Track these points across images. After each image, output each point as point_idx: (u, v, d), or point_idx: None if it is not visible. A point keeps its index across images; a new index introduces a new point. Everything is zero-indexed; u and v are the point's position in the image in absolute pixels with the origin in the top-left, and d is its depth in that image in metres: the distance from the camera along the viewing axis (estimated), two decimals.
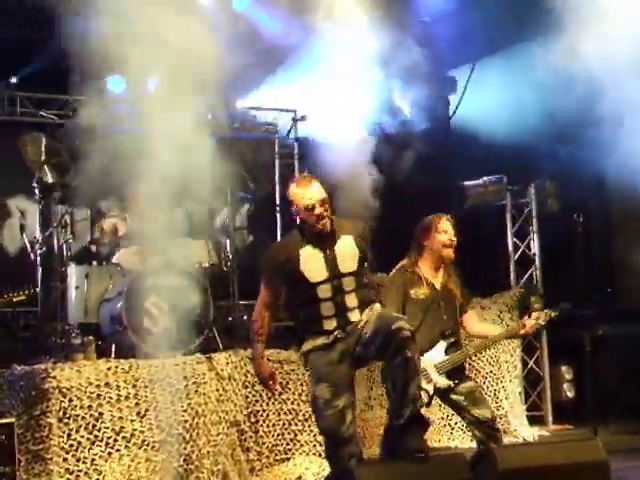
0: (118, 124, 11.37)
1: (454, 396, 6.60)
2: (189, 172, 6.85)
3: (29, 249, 9.26)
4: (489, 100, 11.43)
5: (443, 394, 6.61)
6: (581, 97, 8.52)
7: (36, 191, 9.20)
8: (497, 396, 9.45)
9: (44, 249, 9.08)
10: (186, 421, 7.35)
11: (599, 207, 11.85)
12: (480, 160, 11.07)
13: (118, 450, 7.09)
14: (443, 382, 6.53)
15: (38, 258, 9.08)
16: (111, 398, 7.15)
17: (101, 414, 7.13)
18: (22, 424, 6.88)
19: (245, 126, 11.91)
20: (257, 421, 7.95)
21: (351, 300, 5.83)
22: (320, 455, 8.10)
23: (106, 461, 7.05)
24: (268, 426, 8.00)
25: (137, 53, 6.98)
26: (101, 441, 7.06)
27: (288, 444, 8.08)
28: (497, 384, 9.50)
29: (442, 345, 6.56)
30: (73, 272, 8.88)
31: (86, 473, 6.95)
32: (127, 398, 7.23)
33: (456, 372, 6.61)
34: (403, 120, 10.79)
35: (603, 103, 8.37)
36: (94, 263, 9.08)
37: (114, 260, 9.07)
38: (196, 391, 7.48)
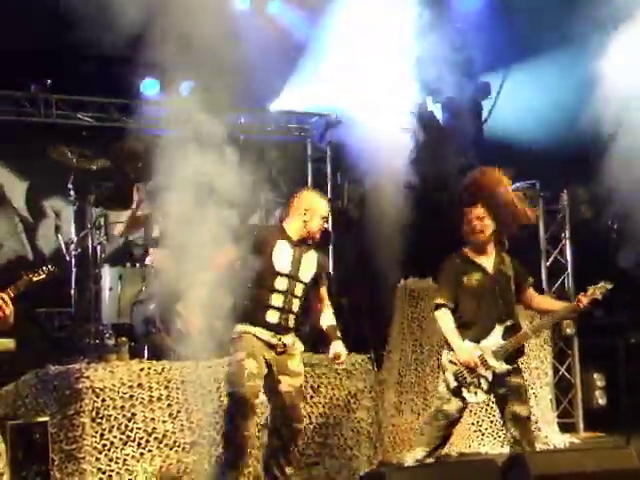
0: (151, 126, 11.48)
1: (502, 389, 6.61)
2: (222, 175, 6.88)
3: (64, 250, 9.36)
4: (522, 105, 11.40)
5: (499, 382, 6.58)
6: (614, 102, 8.48)
7: (71, 192, 9.29)
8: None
9: (79, 250, 9.17)
10: (217, 423, 7.37)
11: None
12: (513, 166, 11.01)
13: (150, 451, 7.12)
14: (502, 367, 6.54)
15: (73, 259, 9.16)
16: (143, 399, 7.19)
17: (134, 415, 7.17)
18: (56, 423, 6.94)
19: (278, 129, 11.95)
20: None
21: (295, 305, 6.47)
22: (350, 459, 8.11)
23: (138, 461, 7.09)
24: None
25: (172, 56, 7.01)
26: (133, 441, 7.10)
27: (318, 448, 8.09)
28: (528, 391, 9.43)
29: (499, 330, 6.56)
30: (107, 273, 8.96)
31: (118, 473, 6.99)
32: (159, 399, 7.27)
33: (513, 360, 6.64)
34: (436, 125, 10.78)
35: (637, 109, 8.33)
36: (128, 265, 9.16)
37: (147, 262, 9.13)
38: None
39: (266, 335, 6.40)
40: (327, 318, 6.73)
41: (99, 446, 7.01)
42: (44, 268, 6.01)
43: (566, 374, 10.54)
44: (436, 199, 10.60)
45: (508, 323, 6.58)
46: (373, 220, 10.61)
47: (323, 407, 8.11)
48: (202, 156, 6.90)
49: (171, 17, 6.96)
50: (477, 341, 6.52)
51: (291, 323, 6.51)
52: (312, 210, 6.57)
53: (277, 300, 6.44)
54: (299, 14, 10.61)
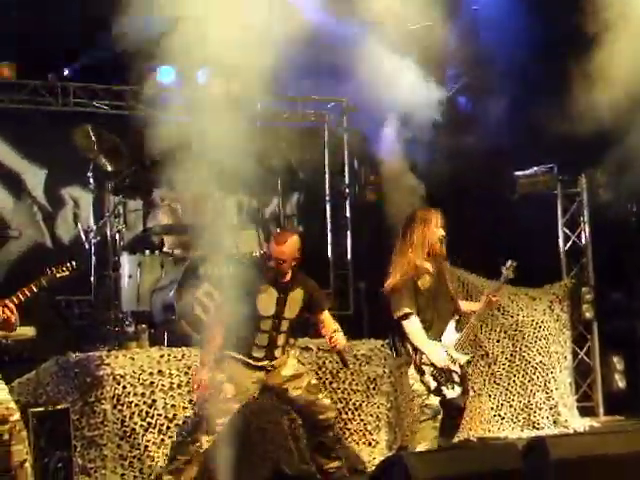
0: (168, 114, 11.48)
1: None
2: (239, 162, 6.88)
3: (83, 238, 9.39)
4: None
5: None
6: (631, 85, 8.42)
7: (90, 180, 9.32)
8: (547, 387, 9.40)
9: (98, 238, 9.20)
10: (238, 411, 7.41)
11: None
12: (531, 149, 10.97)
13: (171, 437, 7.14)
14: (465, 358, 6.85)
15: (92, 247, 9.20)
16: (164, 386, 7.23)
17: (154, 401, 7.21)
18: (77, 410, 6.98)
19: (295, 116, 11.95)
20: None
21: (280, 339, 6.72)
22: (370, 444, 8.13)
23: (159, 448, 7.13)
24: None
25: (189, 43, 7.01)
26: (154, 428, 7.14)
27: (338, 433, 8.11)
28: (547, 375, 9.44)
29: (452, 324, 6.87)
30: (126, 261, 9.00)
31: (139, 459, 7.04)
32: (179, 386, 7.30)
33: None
34: (454, 110, 10.75)
35: None
36: (146, 252, 9.19)
37: (165, 249, 9.17)
38: None
39: (253, 362, 6.67)
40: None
41: (120, 432, 7.06)
42: (67, 264, 6.07)
43: (585, 358, 10.52)
44: (456, 185, 10.58)
45: (457, 317, 6.94)
46: (390, 205, 10.61)
47: (342, 392, 8.13)
48: (219, 143, 6.90)
49: (187, 6, 6.95)
50: (438, 339, 6.77)
51: (277, 354, 6.76)
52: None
53: (262, 339, 6.68)
54: (319, 4, 10.57)
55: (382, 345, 8.24)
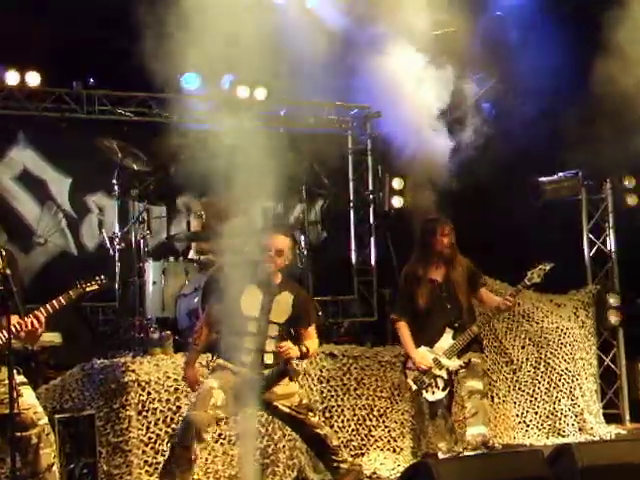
0: (192, 121, 11.52)
1: (461, 373, 7.25)
2: (264, 168, 6.88)
3: (108, 245, 9.42)
4: None
5: (456, 372, 7.27)
6: None
7: (115, 187, 9.35)
8: (573, 393, 9.35)
9: (122, 245, 9.23)
10: (262, 415, 7.41)
11: None
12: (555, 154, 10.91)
13: None
14: (454, 364, 7.21)
15: (117, 254, 9.23)
16: (188, 392, 7.22)
17: (179, 407, 7.24)
18: (102, 416, 7.02)
19: (318, 122, 11.95)
20: (332, 416, 8.00)
21: (270, 345, 6.54)
22: (394, 451, 8.13)
23: None
24: (343, 421, 8.04)
25: (213, 50, 7.03)
26: None
27: (362, 439, 8.12)
28: (573, 381, 9.39)
29: (449, 333, 7.25)
30: (150, 267, 9.02)
31: None
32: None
33: (467, 352, 7.26)
34: (478, 115, 10.71)
35: None
36: (171, 259, 9.22)
37: (190, 256, 9.20)
38: None
39: (243, 371, 6.52)
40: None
41: (145, 439, 7.10)
42: (97, 278, 6.09)
43: (611, 365, 10.44)
44: (480, 190, 10.54)
45: (456, 325, 7.26)
46: (413, 211, 10.59)
47: (367, 399, 8.14)
48: (243, 149, 6.91)
49: (210, 12, 6.97)
50: (430, 345, 7.23)
51: (268, 360, 6.55)
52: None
53: (249, 342, 6.55)
54: (337, 6, 10.57)
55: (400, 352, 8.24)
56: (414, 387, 7.31)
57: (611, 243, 10.78)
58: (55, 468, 5.59)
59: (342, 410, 8.05)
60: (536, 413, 9.22)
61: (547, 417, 9.24)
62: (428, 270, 7.35)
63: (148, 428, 7.12)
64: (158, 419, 7.16)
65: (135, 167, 9.24)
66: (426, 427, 8.19)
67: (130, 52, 10.33)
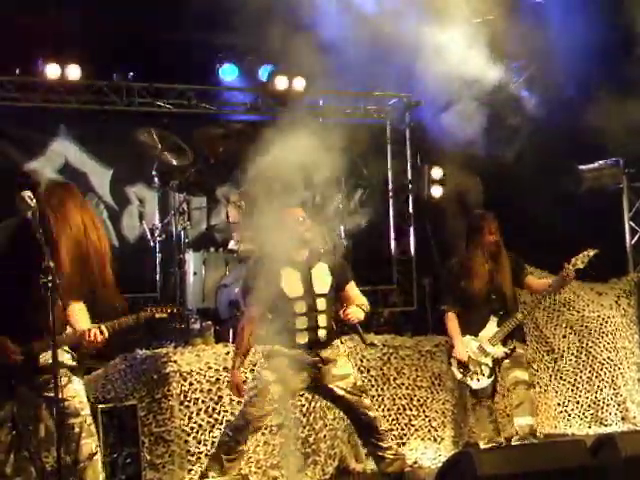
0: (231, 112, 11.55)
1: (506, 363, 7.39)
2: (302, 158, 6.89)
3: (148, 236, 9.48)
4: None
5: (501, 360, 7.39)
6: None
7: (155, 179, 9.40)
8: (615, 382, 9.27)
9: (163, 236, 9.28)
10: (303, 405, 7.43)
11: None
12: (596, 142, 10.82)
13: None
14: (499, 351, 7.33)
15: (157, 245, 9.29)
16: (230, 382, 7.27)
17: (220, 397, 7.27)
18: (144, 407, 7.06)
19: (357, 112, 11.94)
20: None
21: (322, 320, 6.49)
22: (435, 440, 8.12)
23: None
24: (383, 411, 8.03)
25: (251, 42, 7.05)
26: (220, 424, 7.17)
27: (403, 429, 8.11)
28: (615, 370, 9.31)
29: (494, 321, 7.38)
30: (191, 258, 9.06)
31: (206, 455, 7.05)
32: (245, 382, 7.33)
33: (511, 340, 7.39)
34: (518, 102, 10.64)
35: None
36: (211, 249, 9.26)
37: (230, 246, 9.22)
38: None
39: (301, 355, 6.45)
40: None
41: (187, 428, 7.13)
42: (169, 308, 6.06)
43: None
44: (520, 179, 10.47)
45: (501, 313, 7.38)
46: (453, 201, 10.56)
47: (407, 388, 8.13)
48: (284, 140, 6.92)
49: (249, 3, 6.98)
50: (475, 334, 7.36)
51: (323, 337, 6.50)
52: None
53: (302, 323, 6.47)
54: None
55: (446, 340, 8.20)
56: (459, 375, 7.41)
57: None
58: (97, 457, 5.63)
59: (382, 400, 8.04)
60: (578, 402, 9.16)
61: (589, 406, 9.17)
62: (475, 263, 7.45)
63: (190, 418, 7.15)
64: (200, 409, 7.19)
65: (174, 162, 9.27)
66: (468, 417, 8.19)
67: (169, 44, 10.45)
